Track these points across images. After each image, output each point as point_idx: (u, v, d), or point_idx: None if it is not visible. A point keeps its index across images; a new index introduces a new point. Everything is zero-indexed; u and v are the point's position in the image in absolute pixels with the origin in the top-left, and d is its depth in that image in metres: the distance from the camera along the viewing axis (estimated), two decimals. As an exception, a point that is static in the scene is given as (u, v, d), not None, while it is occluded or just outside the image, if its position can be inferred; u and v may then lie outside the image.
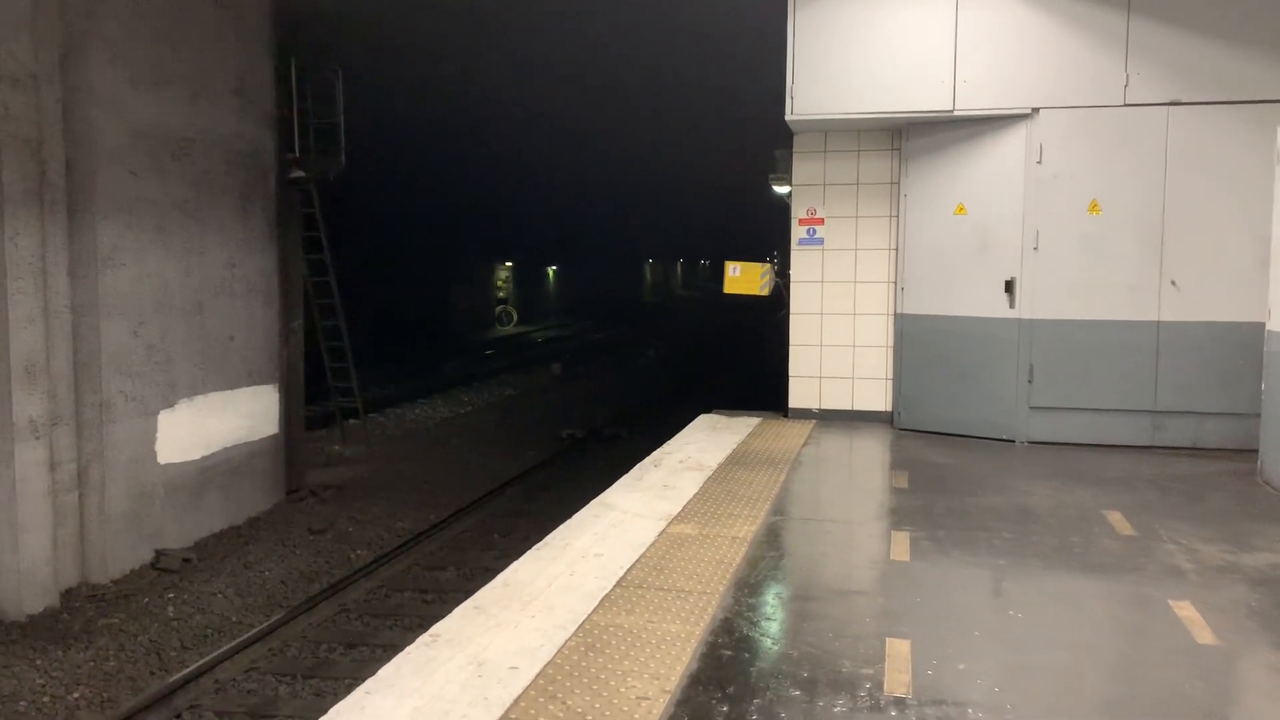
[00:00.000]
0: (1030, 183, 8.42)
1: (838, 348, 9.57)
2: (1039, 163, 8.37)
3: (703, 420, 9.68)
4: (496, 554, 9.74)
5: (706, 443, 8.50)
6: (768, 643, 4.32)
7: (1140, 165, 8.22)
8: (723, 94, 13.10)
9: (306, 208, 13.24)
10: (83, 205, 8.92)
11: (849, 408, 9.60)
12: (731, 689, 3.83)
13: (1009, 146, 8.49)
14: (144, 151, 9.59)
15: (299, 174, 12.42)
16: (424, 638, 4.24)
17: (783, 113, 8.86)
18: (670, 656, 4.08)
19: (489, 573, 5.23)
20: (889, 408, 9.44)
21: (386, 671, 3.91)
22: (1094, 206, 8.32)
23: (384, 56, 15.42)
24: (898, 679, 3.93)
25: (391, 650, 4.26)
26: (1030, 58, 8.32)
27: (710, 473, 7.38)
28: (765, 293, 10.52)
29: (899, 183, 9.20)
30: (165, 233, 9.88)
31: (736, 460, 7.84)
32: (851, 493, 7.33)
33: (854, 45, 8.60)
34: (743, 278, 10.44)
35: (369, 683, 3.81)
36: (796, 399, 9.74)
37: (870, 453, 8.50)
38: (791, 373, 9.74)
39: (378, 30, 14.43)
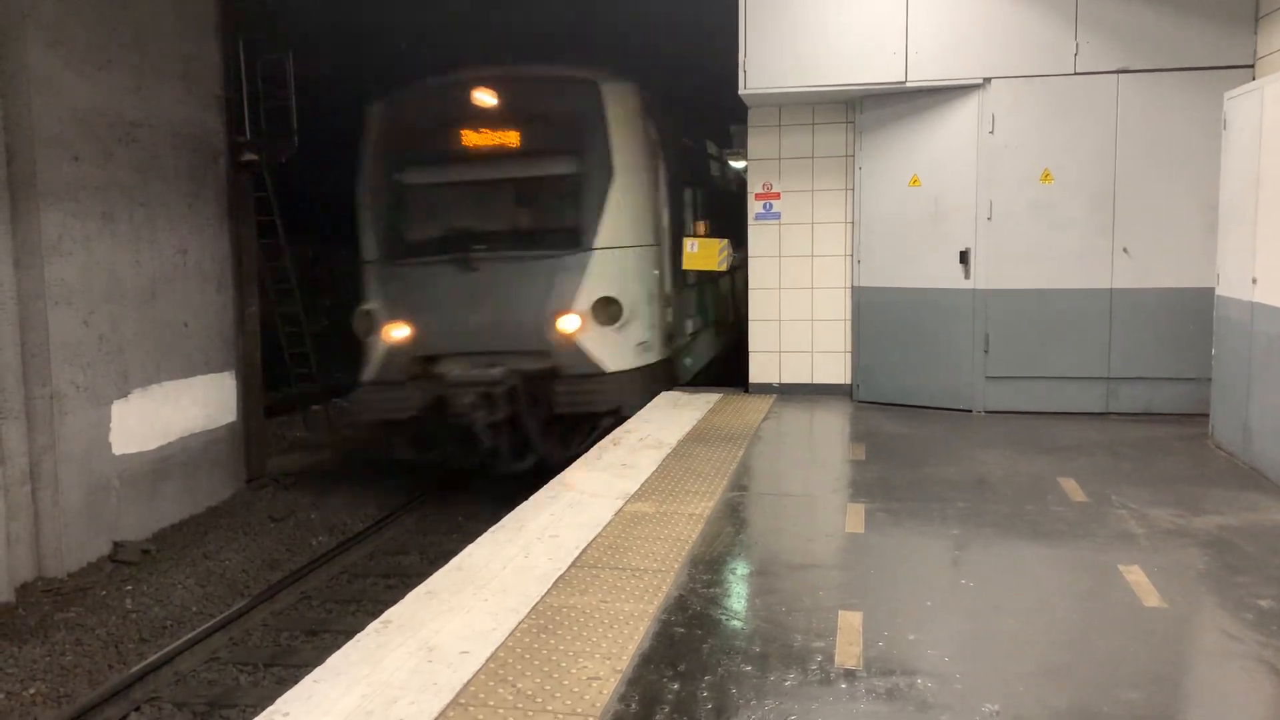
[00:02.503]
0: (983, 153, 8.44)
1: (796, 322, 9.58)
2: (991, 133, 8.39)
3: (664, 397, 9.66)
4: (460, 537, 9.69)
5: (667, 420, 8.50)
6: (721, 619, 4.32)
7: (1091, 133, 8.26)
8: (681, 68, 13.02)
9: (259, 191, 13.04)
10: (25, 192, 8.72)
11: (809, 381, 9.62)
12: (683, 666, 3.84)
13: (961, 117, 8.50)
14: (87, 136, 9.37)
15: (250, 157, 12.20)
16: (375, 624, 4.21)
17: (737, 87, 8.82)
18: (623, 636, 4.08)
19: (452, 556, 5.20)
20: (848, 380, 9.47)
21: (335, 659, 3.88)
22: (1046, 175, 8.35)
23: (336, 35, 15.19)
24: (849, 651, 3.95)
25: (352, 636, 4.27)
26: (981, 28, 8.32)
27: (670, 450, 7.38)
28: (723, 268, 10.52)
29: (854, 156, 9.19)
30: (113, 219, 9.68)
31: (696, 437, 7.84)
32: (809, 466, 7.35)
33: (806, 18, 8.56)
34: (700, 253, 10.43)
35: (317, 670, 3.78)
36: (756, 374, 9.75)
37: (829, 426, 8.53)
38: (751, 348, 9.75)
39: (329, 9, 14.20)
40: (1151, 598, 4.49)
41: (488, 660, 3.86)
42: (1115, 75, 8.18)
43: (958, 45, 8.37)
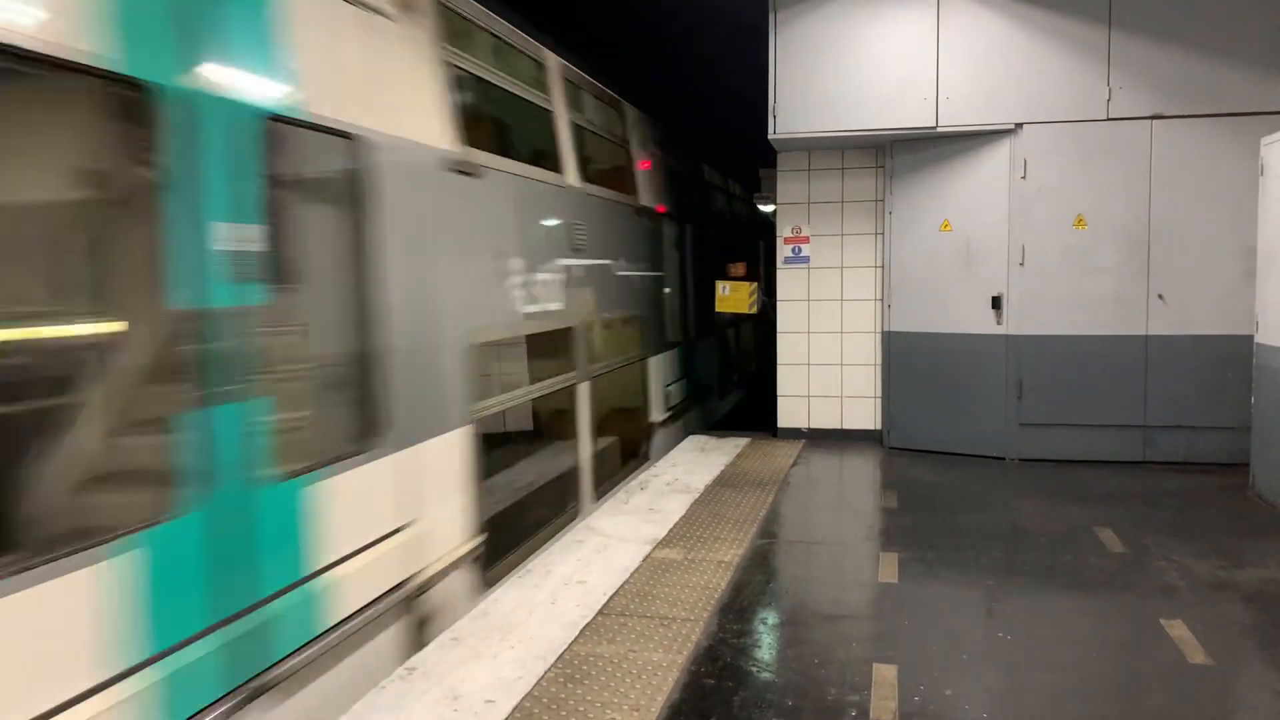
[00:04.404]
0: (1015, 198, 8.39)
1: (825, 366, 9.51)
2: (1023, 178, 8.34)
3: (691, 441, 9.59)
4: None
5: (694, 464, 8.41)
6: (752, 670, 4.23)
7: (1125, 179, 8.19)
8: (711, 113, 13.10)
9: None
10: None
11: (838, 427, 9.52)
12: (714, 719, 3.74)
13: (993, 162, 8.46)
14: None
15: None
16: (399, 670, 4.15)
17: (767, 131, 8.82)
18: (651, 686, 3.99)
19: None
20: (879, 426, 9.37)
21: (359, 706, 3.81)
22: (1079, 221, 8.28)
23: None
24: (884, 706, 3.84)
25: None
26: (1013, 73, 8.30)
27: (697, 495, 7.29)
28: (753, 310, 10.49)
29: (884, 200, 9.16)
30: None
31: (724, 482, 7.75)
32: (840, 514, 7.24)
33: (837, 63, 8.58)
34: (732, 296, 10.43)
35: (342, 718, 3.71)
36: (785, 419, 9.67)
37: (859, 472, 8.42)
38: (779, 392, 9.67)
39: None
40: (1197, 654, 4.35)
41: (513, 710, 3.78)
42: (1149, 121, 8.12)
43: (989, 90, 8.35)
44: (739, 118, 10.79)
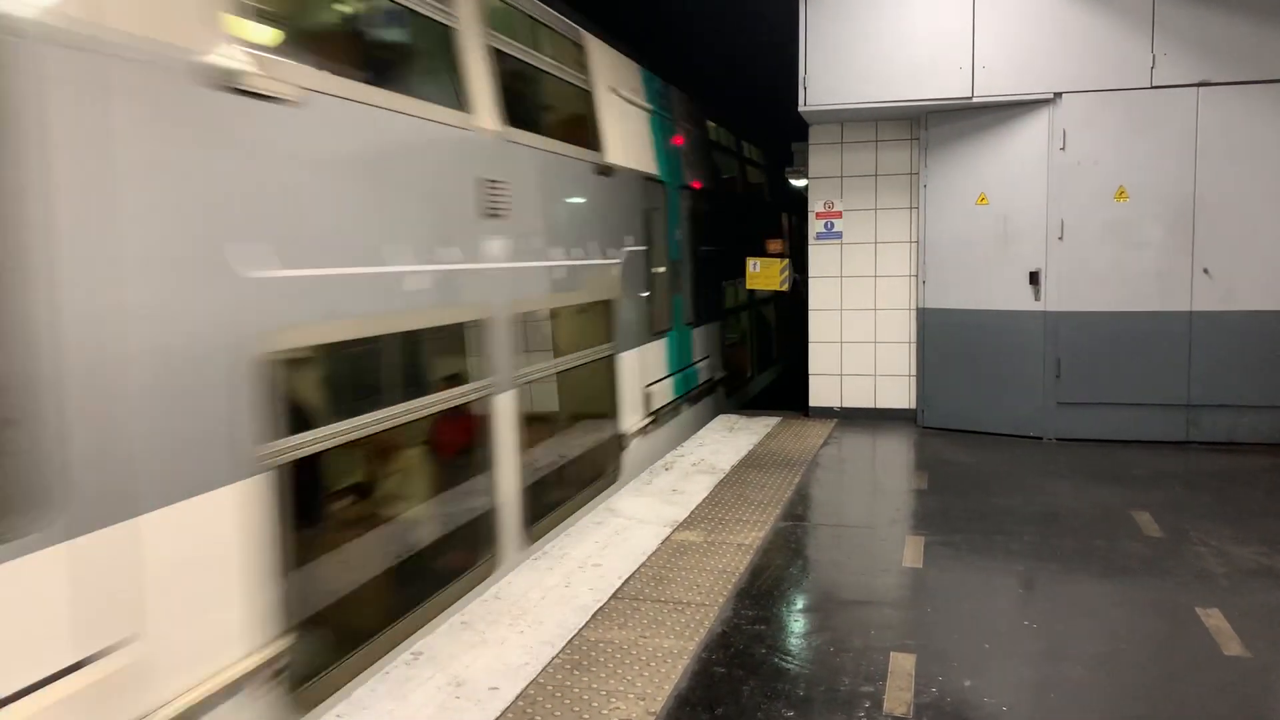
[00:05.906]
0: (1054, 170, 8.12)
1: (858, 344, 9.31)
2: (1062, 149, 8.07)
3: (719, 421, 9.46)
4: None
5: (721, 444, 8.29)
6: (764, 658, 4.11)
7: (1169, 149, 7.89)
8: (738, 84, 12.87)
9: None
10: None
11: (871, 406, 9.33)
12: (720, 710, 3.63)
13: (1031, 133, 8.19)
14: None
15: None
16: (405, 655, 4.08)
17: (798, 103, 8.61)
18: (660, 675, 3.89)
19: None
20: (913, 405, 9.17)
21: (361, 693, 3.75)
22: (1121, 193, 8.00)
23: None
24: (899, 697, 3.71)
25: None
26: (1051, 41, 8.01)
27: (723, 476, 7.17)
28: (785, 288, 10.31)
29: (919, 173, 8.92)
30: None
31: (751, 462, 7.62)
32: (867, 495, 7.08)
33: (869, 32, 8.34)
34: (762, 273, 10.24)
35: (341, 705, 3.66)
36: (817, 398, 9.49)
37: (891, 453, 8.24)
38: (811, 370, 9.49)
39: None
40: (1233, 645, 4.17)
41: (517, 698, 3.70)
42: (1195, 88, 7.80)
43: (1027, 59, 8.07)
44: (774, 89, 10.57)
